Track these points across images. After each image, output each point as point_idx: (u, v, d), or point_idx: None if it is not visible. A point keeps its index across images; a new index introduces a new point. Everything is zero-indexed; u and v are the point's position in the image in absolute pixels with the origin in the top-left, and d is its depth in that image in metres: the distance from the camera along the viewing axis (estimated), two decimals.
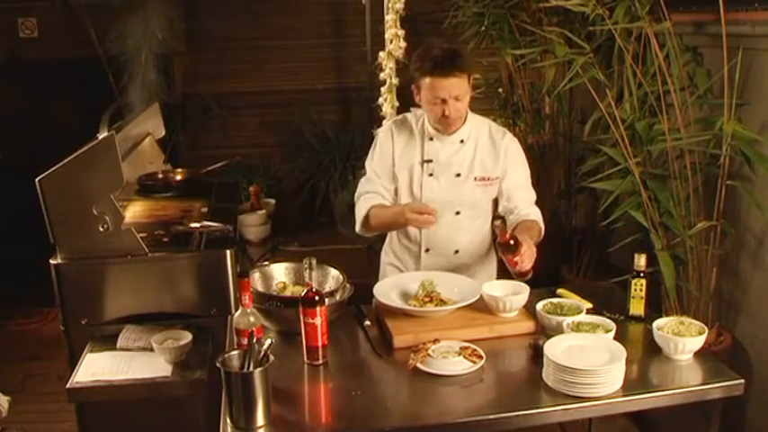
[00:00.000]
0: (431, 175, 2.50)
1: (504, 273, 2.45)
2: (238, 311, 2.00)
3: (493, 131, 2.56)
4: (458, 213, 2.51)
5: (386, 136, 2.57)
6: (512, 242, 2.22)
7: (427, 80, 2.35)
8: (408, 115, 2.60)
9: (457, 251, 2.57)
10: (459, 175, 2.50)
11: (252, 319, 1.98)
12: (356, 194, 2.61)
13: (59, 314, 2.66)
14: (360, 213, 2.54)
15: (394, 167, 2.54)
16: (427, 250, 2.57)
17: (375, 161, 2.58)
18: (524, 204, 2.52)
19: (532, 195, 2.58)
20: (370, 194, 2.54)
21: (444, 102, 2.36)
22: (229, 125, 5.28)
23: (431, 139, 2.51)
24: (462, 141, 2.51)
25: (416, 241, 2.58)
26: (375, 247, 3.84)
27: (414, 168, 2.52)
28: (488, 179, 2.51)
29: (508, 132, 2.59)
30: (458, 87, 2.35)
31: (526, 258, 2.23)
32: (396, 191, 2.57)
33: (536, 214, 2.53)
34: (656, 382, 1.92)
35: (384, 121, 2.64)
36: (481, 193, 2.53)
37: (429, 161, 2.50)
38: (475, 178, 2.50)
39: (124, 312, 2.66)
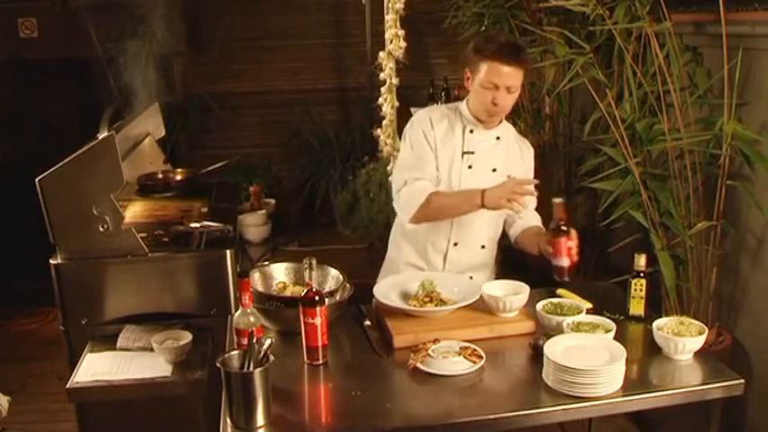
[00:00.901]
0: (470, 167, 2.49)
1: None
2: (238, 311, 2.00)
3: (517, 135, 2.62)
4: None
5: (425, 123, 2.50)
6: (563, 226, 2.23)
7: (487, 64, 2.34)
8: (440, 107, 2.60)
9: (483, 246, 2.58)
10: (495, 170, 2.51)
11: (252, 319, 1.98)
12: (397, 182, 2.50)
13: (59, 314, 2.66)
14: (416, 200, 2.41)
15: (436, 152, 2.48)
16: (455, 244, 2.55)
17: (418, 146, 2.48)
18: (532, 210, 2.58)
19: (535, 202, 2.61)
20: (424, 181, 2.44)
21: (497, 89, 2.35)
22: (229, 125, 5.28)
23: (471, 131, 2.50)
24: (498, 138, 2.53)
25: (446, 235, 2.55)
26: (375, 246, 3.84)
27: (454, 158, 2.49)
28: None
29: (527, 140, 2.66)
30: (514, 78, 2.34)
31: (575, 246, 2.24)
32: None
33: (538, 219, 2.58)
34: (656, 382, 1.92)
35: (414, 110, 2.57)
36: None
37: (471, 152, 2.49)
38: (507, 175, 2.49)
39: (124, 312, 2.66)
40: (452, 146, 2.50)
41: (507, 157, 2.54)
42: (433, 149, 2.49)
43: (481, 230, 2.56)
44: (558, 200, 2.27)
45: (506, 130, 2.58)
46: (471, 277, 2.54)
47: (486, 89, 2.37)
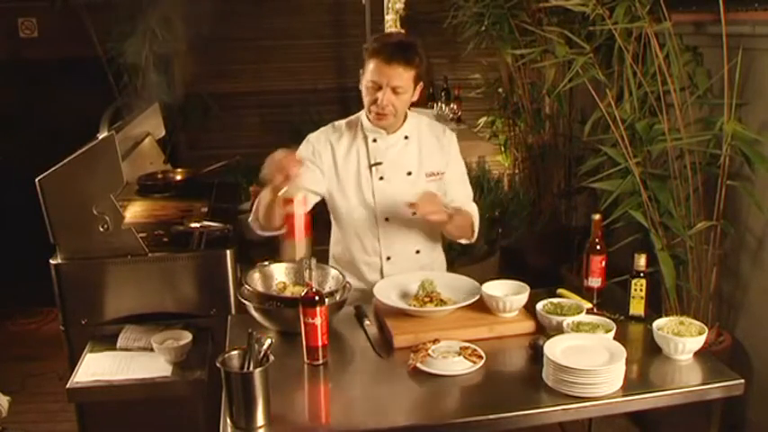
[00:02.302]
0: (381, 178, 2.41)
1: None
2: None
3: (432, 125, 2.52)
4: (414, 213, 2.36)
5: (323, 145, 2.42)
6: (598, 245, 2.23)
7: (372, 62, 2.28)
8: (340, 122, 2.49)
9: (418, 251, 2.51)
10: (410, 173, 2.44)
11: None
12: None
13: (59, 314, 2.66)
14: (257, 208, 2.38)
15: (338, 181, 2.41)
16: (389, 258, 2.48)
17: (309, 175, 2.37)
18: (463, 200, 2.48)
19: (470, 191, 2.54)
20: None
21: (379, 89, 2.28)
22: (229, 125, 5.28)
23: (374, 140, 2.42)
24: (407, 138, 2.44)
25: (376, 252, 2.48)
26: None
27: (361, 174, 2.42)
28: (437, 174, 2.46)
29: (446, 127, 2.56)
30: (398, 78, 2.26)
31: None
32: (335, 199, 2.45)
33: (474, 211, 2.48)
34: (656, 382, 1.92)
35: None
36: (434, 189, 2.41)
37: (378, 164, 2.41)
38: (426, 174, 2.44)
39: (124, 312, 2.66)
40: (356, 161, 2.42)
41: (422, 154, 2.44)
42: (336, 169, 2.41)
43: (410, 238, 2.47)
44: (596, 216, 2.26)
45: (416, 125, 2.46)
46: None
47: (369, 88, 2.31)
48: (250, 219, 2.44)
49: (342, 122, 2.50)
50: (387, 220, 2.44)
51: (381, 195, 2.42)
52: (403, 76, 2.28)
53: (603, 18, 2.91)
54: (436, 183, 2.45)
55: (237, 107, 5.27)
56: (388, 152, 2.42)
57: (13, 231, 4.38)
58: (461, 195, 2.49)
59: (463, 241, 2.53)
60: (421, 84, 2.37)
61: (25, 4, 4.95)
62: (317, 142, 2.46)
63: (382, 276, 2.47)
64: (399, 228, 2.44)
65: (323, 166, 2.43)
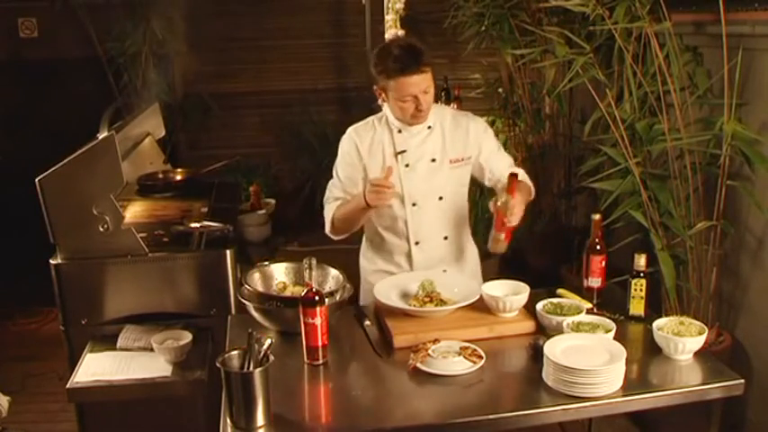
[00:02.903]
0: (407, 165, 2.49)
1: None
2: None
3: (456, 115, 2.58)
4: (441, 199, 2.51)
5: (349, 144, 2.54)
6: (598, 245, 2.27)
7: (394, 81, 2.34)
8: (369, 119, 2.57)
9: (446, 237, 2.57)
10: (434, 160, 2.50)
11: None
12: (324, 198, 2.59)
13: (59, 314, 2.66)
14: (327, 217, 2.54)
15: (365, 171, 2.51)
16: (417, 243, 2.54)
17: (340, 168, 2.56)
18: (507, 170, 2.51)
19: (510, 159, 2.59)
20: (339, 200, 2.53)
21: (416, 98, 2.36)
22: (229, 125, 5.28)
23: (399, 131, 2.50)
24: (430, 127, 2.51)
25: (404, 236, 2.55)
26: None
27: (387, 162, 2.49)
28: (462, 159, 2.52)
29: (469, 113, 2.62)
30: (424, 81, 2.34)
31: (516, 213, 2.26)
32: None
33: (522, 174, 2.52)
34: (656, 382, 1.92)
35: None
36: (458, 174, 2.53)
37: (403, 152, 2.49)
38: (450, 161, 2.50)
39: (124, 312, 2.66)
40: (382, 152, 2.50)
41: (446, 141, 2.51)
42: (363, 167, 2.52)
43: (437, 223, 2.54)
44: (596, 216, 2.27)
45: (439, 115, 2.54)
46: (445, 270, 2.52)
47: (404, 102, 2.38)
48: (327, 230, 2.56)
49: (370, 119, 2.58)
50: (414, 205, 2.51)
51: (408, 182, 2.49)
52: (428, 78, 2.36)
53: (603, 18, 2.91)
54: (460, 168, 2.53)
55: (237, 107, 5.27)
56: (413, 140, 2.50)
57: (14, 231, 4.39)
58: (503, 166, 2.54)
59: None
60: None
61: (25, 4, 4.95)
62: (347, 141, 2.55)
63: (411, 261, 2.55)
64: (426, 213, 2.51)
65: (357, 165, 2.54)
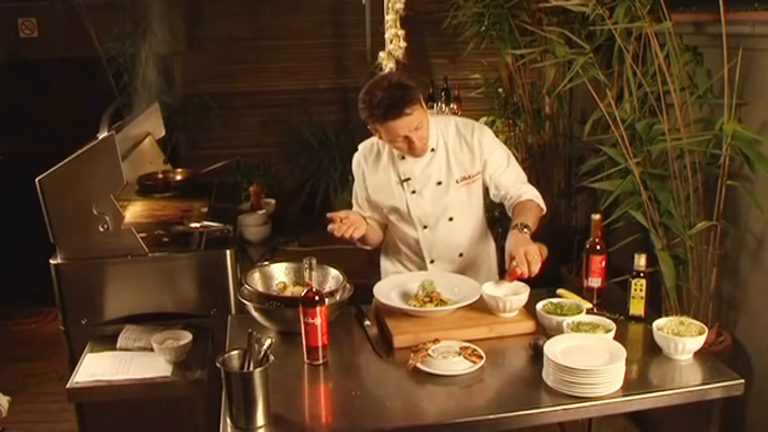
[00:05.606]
0: (413, 192, 2.49)
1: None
2: None
3: (460, 128, 2.51)
4: (451, 219, 2.50)
5: (356, 163, 2.58)
6: (599, 245, 2.27)
7: (384, 126, 2.31)
8: (374, 139, 2.54)
9: (461, 254, 2.56)
10: (440, 183, 2.48)
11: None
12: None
13: (59, 314, 2.66)
14: None
15: (368, 193, 2.55)
16: (432, 261, 2.56)
17: (355, 183, 2.60)
18: (514, 186, 2.48)
19: (520, 174, 2.54)
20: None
21: (407, 137, 2.34)
22: (229, 125, 5.27)
23: (402, 158, 2.48)
24: (433, 150, 2.48)
25: (419, 254, 2.57)
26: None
27: (393, 189, 2.50)
28: (470, 177, 2.49)
29: (476, 123, 2.56)
30: (414, 120, 2.31)
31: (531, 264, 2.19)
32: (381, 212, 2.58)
33: (530, 193, 2.47)
34: (656, 382, 1.92)
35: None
36: (467, 192, 2.50)
37: (407, 179, 2.48)
38: (456, 181, 2.48)
39: (124, 312, 2.66)
40: (386, 174, 2.51)
41: (451, 162, 2.48)
42: (366, 190, 2.55)
43: (451, 243, 2.54)
44: (596, 216, 2.26)
45: (442, 133, 2.49)
46: None
47: (396, 142, 2.37)
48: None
49: (365, 145, 2.58)
50: (425, 227, 2.52)
51: (416, 207, 2.50)
52: (416, 115, 2.31)
53: (603, 18, 2.91)
54: (467, 186, 2.50)
55: (237, 107, 5.26)
56: (417, 166, 2.48)
57: (13, 231, 4.39)
58: (510, 182, 2.49)
59: None
60: (422, 100, 2.39)
61: (25, 4, 4.94)
62: (355, 160, 2.59)
63: None
64: (438, 234, 2.52)
65: (362, 187, 2.58)
